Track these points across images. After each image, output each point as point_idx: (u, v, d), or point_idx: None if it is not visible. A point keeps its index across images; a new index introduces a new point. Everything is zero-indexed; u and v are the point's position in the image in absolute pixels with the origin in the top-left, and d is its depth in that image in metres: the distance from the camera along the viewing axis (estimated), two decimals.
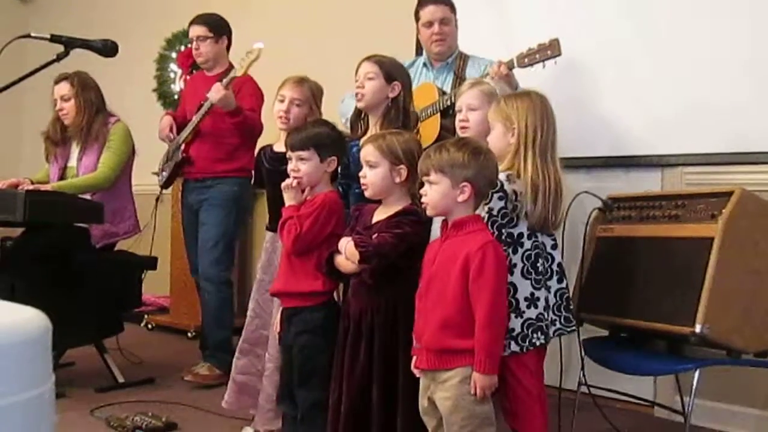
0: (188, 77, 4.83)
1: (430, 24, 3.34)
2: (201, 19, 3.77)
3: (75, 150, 3.73)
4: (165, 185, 3.90)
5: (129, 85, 5.55)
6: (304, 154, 2.48)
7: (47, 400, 1.06)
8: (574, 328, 2.29)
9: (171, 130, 3.78)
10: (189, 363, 3.72)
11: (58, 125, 3.74)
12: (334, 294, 2.54)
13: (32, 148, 3.98)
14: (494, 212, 2.17)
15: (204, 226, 3.70)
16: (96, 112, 3.68)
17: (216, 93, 3.40)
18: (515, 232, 2.20)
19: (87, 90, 3.67)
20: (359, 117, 2.79)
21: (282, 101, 2.86)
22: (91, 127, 3.64)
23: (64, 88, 3.66)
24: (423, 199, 2.09)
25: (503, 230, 2.18)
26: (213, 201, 3.69)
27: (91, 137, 3.64)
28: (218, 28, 3.76)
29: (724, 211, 2.27)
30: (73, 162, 3.73)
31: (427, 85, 3.26)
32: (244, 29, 3.99)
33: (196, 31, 3.74)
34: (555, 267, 2.26)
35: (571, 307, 2.30)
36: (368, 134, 2.61)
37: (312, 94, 2.90)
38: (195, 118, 3.65)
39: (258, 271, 2.96)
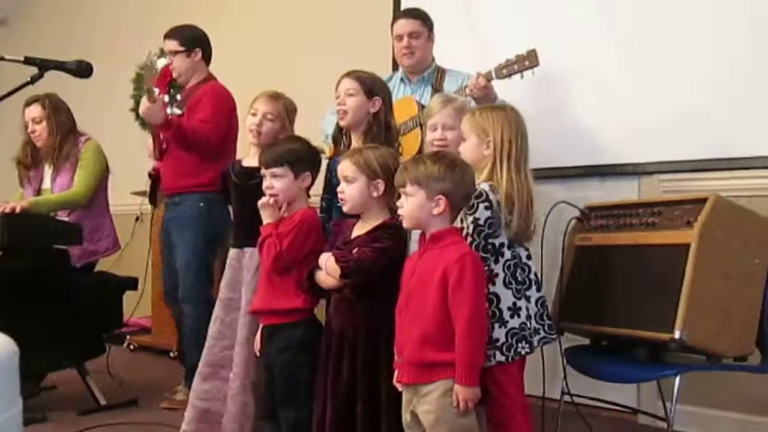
0: (166, 95, 4.78)
1: (400, 38, 3.35)
2: (173, 33, 3.66)
3: (48, 171, 3.70)
4: (149, 201, 3.86)
5: (106, 106, 5.51)
6: (277, 170, 2.48)
7: (15, 424, 1.05)
8: (555, 335, 2.30)
9: None
10: (172, 383, 3.70)
11: (29, 148, 3.72)
12: (323, 311, 2.51)
13: (8, 171, 3.94)
14: (481, 222, 2.16)
15: (175, 248, 3.58)
16: (67, 132, 3.67)
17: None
18: (497, 242, 2.20)
19: (59, 112, 3.65)
20: (341, 133, 2.79)
21: (254, 115, 2.81)
22: (63, 148, 3.62)
23: (35, 110, 3.63)
24: (399, 211, 2.10)
25: (488, 240, 2.17)
26: (181, 220, 3.54)
27: (62, 157, 3.62)
28: (190, 40, 3.64)
29: (699, 217, 2.29)
30: (47, 183, 3.70)
31: (406, 99, 3.27)
32: (220, 45, 3.96)
33: (168, 45, 3.66)
34: (532, 276, 2.27)
35: (550, 314, 2.31)
36: None
37: (285, 110, 2.85)
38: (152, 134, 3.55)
39: (222, 289, 2.83)
